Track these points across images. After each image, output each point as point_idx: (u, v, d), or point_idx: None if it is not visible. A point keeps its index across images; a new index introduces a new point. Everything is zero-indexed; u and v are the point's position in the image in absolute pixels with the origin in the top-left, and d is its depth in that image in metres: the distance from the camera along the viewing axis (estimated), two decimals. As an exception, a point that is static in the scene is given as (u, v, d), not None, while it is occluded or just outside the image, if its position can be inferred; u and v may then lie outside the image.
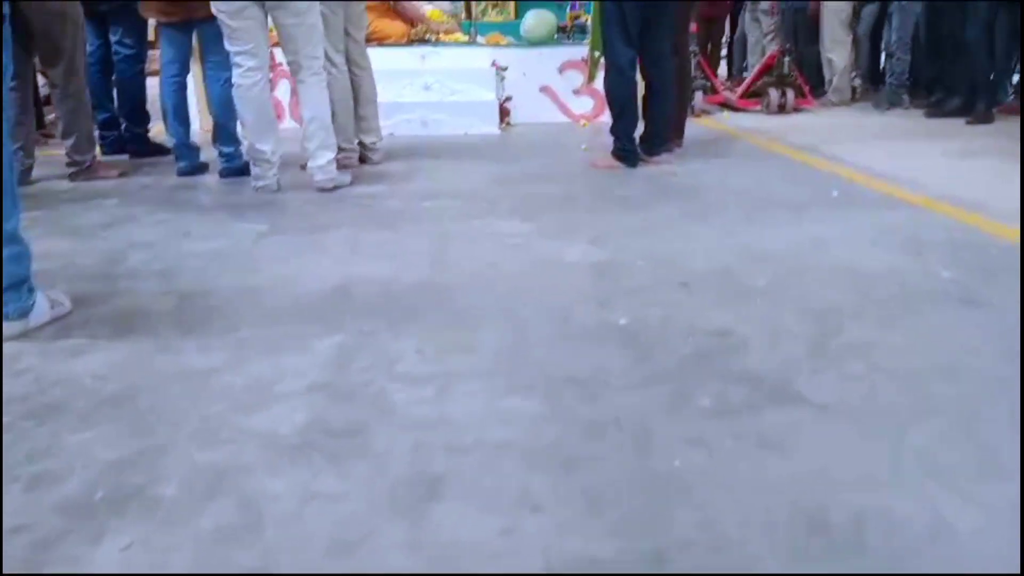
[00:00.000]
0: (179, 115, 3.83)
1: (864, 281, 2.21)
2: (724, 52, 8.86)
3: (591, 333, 1.88)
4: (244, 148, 3.67)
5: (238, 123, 3.67)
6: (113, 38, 4.21)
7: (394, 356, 1.74)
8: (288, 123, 5.22)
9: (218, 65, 3.71)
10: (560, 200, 3.38)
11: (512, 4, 7.25)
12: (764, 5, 7.07)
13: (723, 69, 8.78)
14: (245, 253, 2.64)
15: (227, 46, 3.39)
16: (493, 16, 7.25)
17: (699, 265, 2.38)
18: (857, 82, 7.04)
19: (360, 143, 4.20)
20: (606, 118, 4.42)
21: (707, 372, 1.64)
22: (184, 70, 3.86)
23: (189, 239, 2.80)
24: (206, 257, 2.58)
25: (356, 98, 4.13)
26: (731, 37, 8.41)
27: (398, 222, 2.99)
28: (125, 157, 4.46)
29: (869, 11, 6.59)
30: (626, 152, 4.00)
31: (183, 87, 3.86)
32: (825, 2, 6.36)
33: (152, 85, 4.40)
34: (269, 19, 3.43)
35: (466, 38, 6.20)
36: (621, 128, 4.00)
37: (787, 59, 5.92)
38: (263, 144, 3.47)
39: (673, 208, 3.16)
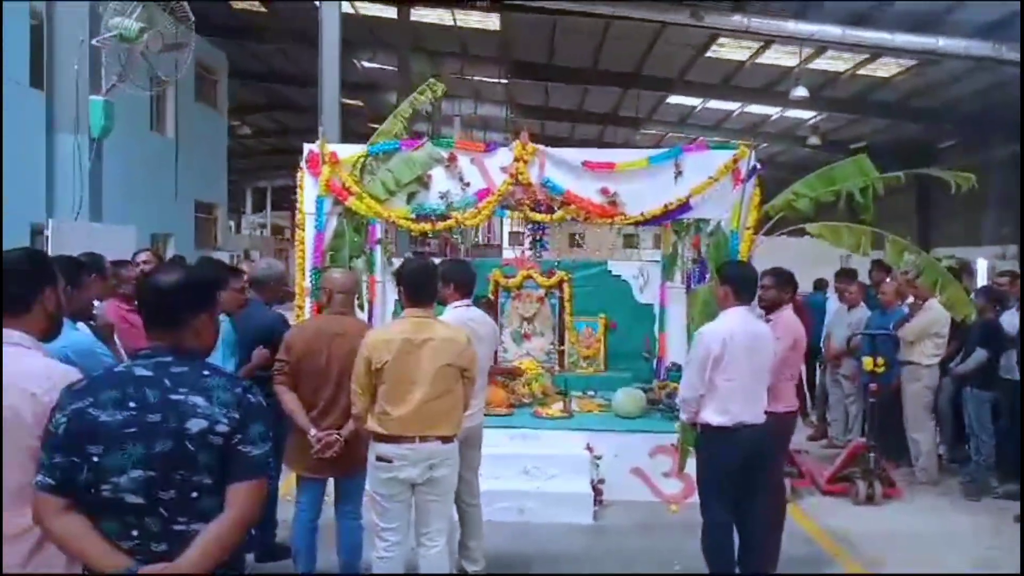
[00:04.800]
0: (310, 556, 4.19)
1: None
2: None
3: None
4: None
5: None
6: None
7: None
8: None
9: (352, 514, 4.14)
10: None
11: (601, 357, 7.81)
12: (845, 370, 7.40)
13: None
14: None
15: (375, 519, 3.80)
16: (584, 367, 7.79)
17: None
18: (942, 449, 7.14)
19: (463, 572, 4.47)
20: (695, 499, 4.60)
21: None
22: (317, 515, 4.26)
23: None
24: None
25: (464, 530, 4.48)
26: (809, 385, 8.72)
27: None
28: (251, 557, 4.83)
29: (946, 388, 6.81)
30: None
31: (315, 531, 4.24)
32: (908, 386, 6.64)
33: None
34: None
35: (561, 406, 6.60)
36: (718, 587, 4.17)
37: (872, 455, 6.11)
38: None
39: None
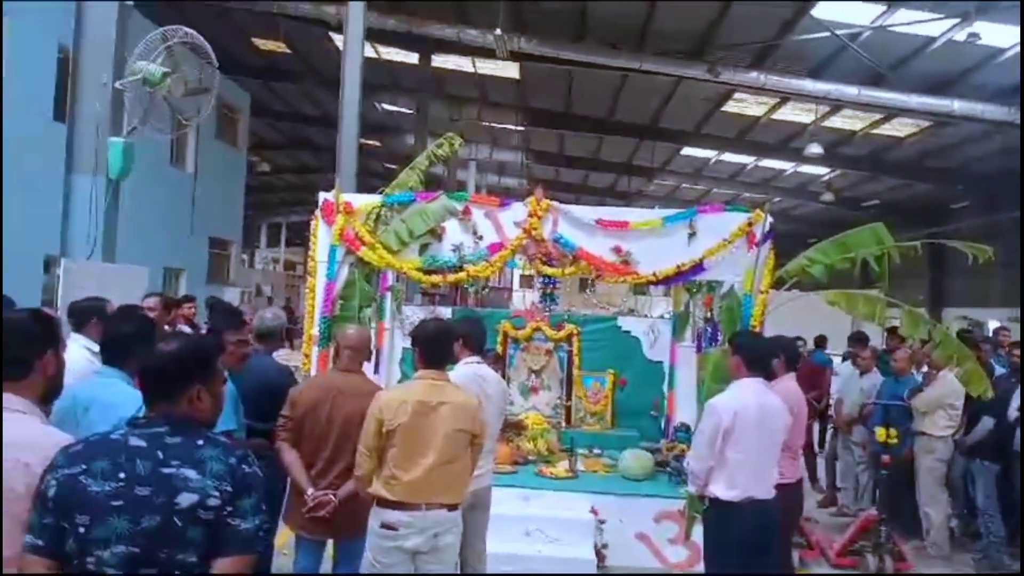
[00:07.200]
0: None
1: None
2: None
3: None
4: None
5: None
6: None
7: None
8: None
9: (350, 576, 4.04)
10: None
11: (609, 414, 7.71)
12: (857, 437, 7.27)
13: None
14: None
15: None
16: (591, 423, 7.69)
17: None
18: (954, 523, 6.98)
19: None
20: (700, 567, 4.49)
21: None
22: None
23: None
24: None
25: (466, 598, 4.37)
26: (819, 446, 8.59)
27: None
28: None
29: (958, 460, 6.69)
30: None
31: (311, 591, 4.17)
32: (920, 458, 6.51)
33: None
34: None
35: (567, 464, 6.49)
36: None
37: (883, 528, 5.97)
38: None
39: None
